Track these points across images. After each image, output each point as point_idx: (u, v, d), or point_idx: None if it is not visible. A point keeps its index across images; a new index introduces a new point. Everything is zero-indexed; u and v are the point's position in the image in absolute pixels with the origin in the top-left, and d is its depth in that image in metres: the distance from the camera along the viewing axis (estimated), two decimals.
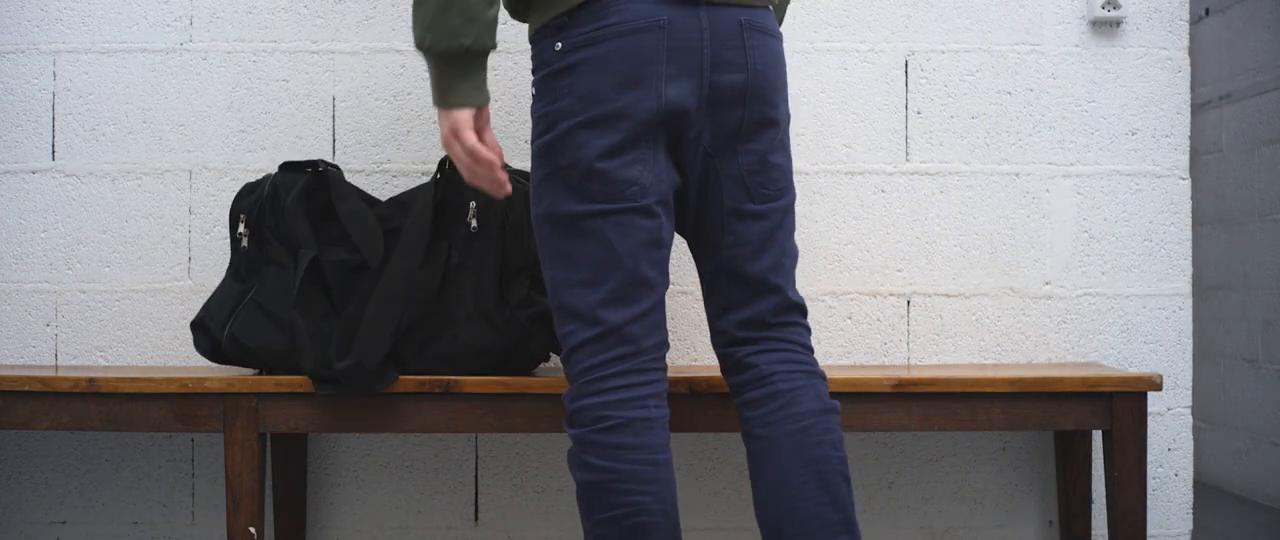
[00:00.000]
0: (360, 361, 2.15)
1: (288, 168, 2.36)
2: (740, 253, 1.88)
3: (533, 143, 1.85)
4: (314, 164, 2.36)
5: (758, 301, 1.89)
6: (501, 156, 1.87)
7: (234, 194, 2.55)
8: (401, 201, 2.34)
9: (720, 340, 1.93)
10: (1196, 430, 2.86)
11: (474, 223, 2.26)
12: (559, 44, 1.80)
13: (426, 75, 2.65)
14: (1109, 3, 2.62)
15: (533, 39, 1.87)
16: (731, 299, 1.90)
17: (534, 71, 1.86)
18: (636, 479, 1.76)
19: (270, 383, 2.22)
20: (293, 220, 2.28)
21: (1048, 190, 2.65)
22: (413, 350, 2.22)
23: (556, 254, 1.82)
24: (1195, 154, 4.03)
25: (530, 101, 1.88)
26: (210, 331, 2.30)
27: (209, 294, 2.53)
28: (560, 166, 1.81)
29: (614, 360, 1.79)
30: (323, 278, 2.26)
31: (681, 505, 2.65)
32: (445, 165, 2.32)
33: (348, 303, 2.24)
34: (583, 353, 1.80)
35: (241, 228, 2.33)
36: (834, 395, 1.93)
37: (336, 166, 2.40)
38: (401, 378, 2.21)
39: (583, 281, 1.80)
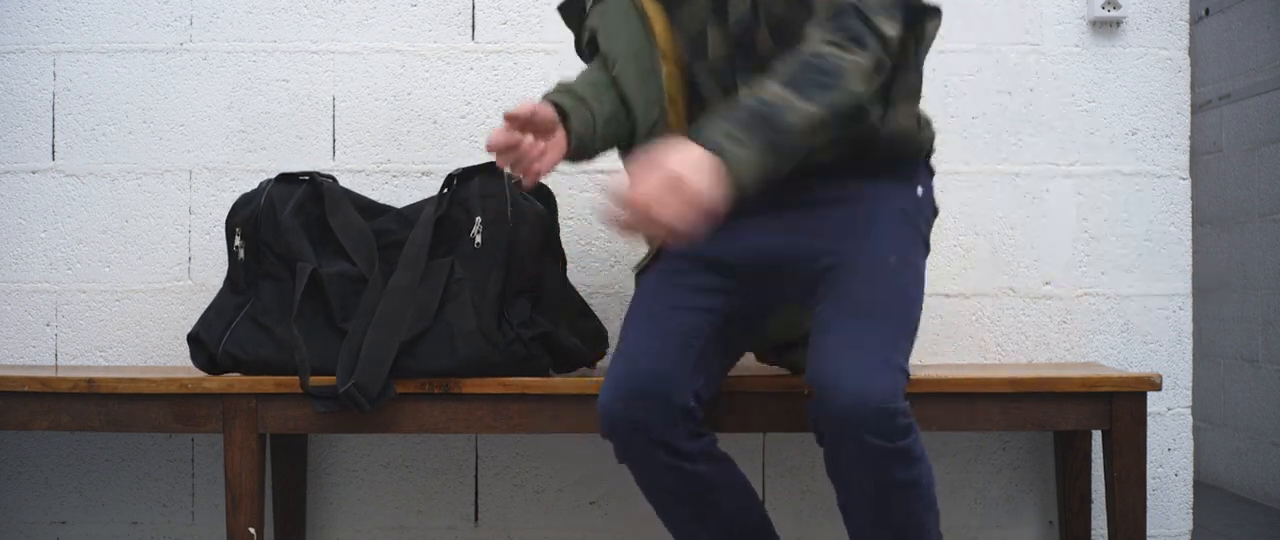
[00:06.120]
0: (362, 383, 2.14)
1: (284, 179, 2.35)
2: None
3: (921, 230, 2.03)
4: (309, 175, 2.35)
5: None
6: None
7: (234, 194, 2.55)
8: (406, 215, 2.33)
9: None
10: (1196, 430, 2.86)
11: (478, 239, 2.25)
12: (932, 189, 2.08)
13: (427, 75, 2.65)
14: (1109, 3, 2.62)
15: (922, 158, 2.06)
16: None
17: (923, 187, 2.05)
18: None
19: (270, 383, 2.22)
20: (289, 233, 2.27)
21: (1048, 190, 2.65)
22: (412, 362, 2.21)
23: (917, 314, 1.98)
24: (1195, 154, 4.03)
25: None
26: (206, 345, 2.29)
27: (209, 294, 2.53)
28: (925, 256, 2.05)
29: None
30: (322, 290, 2.25)
31: None
32: (454, 180, 2.31)
33: (348, 315, 2.24)
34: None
35: (237, 241, 2.32)
36: None
37: (331, 177, 2.39)
38: (401, 378, 2.21)
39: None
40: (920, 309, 1.96)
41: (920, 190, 2.02)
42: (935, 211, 2.09)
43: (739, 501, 2.01)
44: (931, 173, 2.08)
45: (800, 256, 1.95)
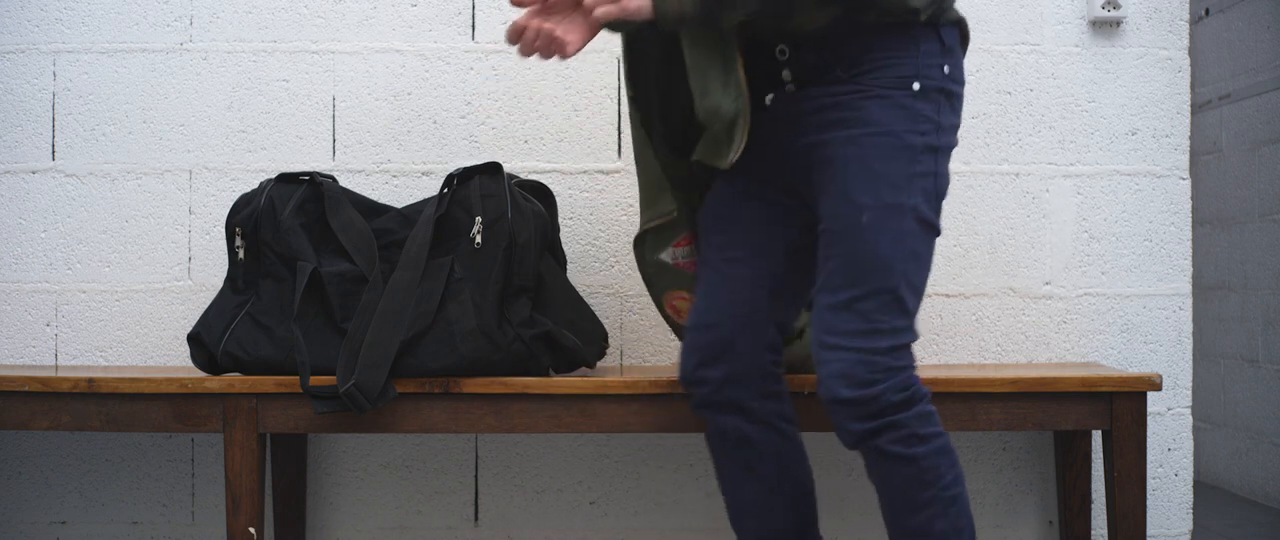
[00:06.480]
0: (362, 384, 2.14)
1: (284, 179, 2.35)
2: None
3: (919, 136, 1.87)
4: (309, 175, 2.35)
5: None
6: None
7: (234, 194, 2.55)
8: (406, 214, 2.33)
9: None
10: (1196, 430, 2.86)
11: (479, 239, 2.25)
12: (947, 67, 1.91)
13: (427, 75, 2.65)
14: (1109, 3, 2.62)
15: (923, 26, 1.88)
16: None
17: (927, 71, 1.89)
18: None
19: (270, 383, 2.22)
20: (290, 234, 2.28)
21: (1048, 190, 2.65)
22: (412, 360, 2.21)
23: (914, 255, 1.88)
24: (1195, 154, 4.03)
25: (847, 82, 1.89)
26: (206, 345, 2.29)
27: (209, 294, 2.54)
28: (939, 174, 1.90)
29: None
30: (322, 290, 2.25)
31: (681, 505, 2.65)
32: (454, 180, 2.30)
33: (348, 315, 2.24)
34: (911, 353, 1.89)
35: (238, 241, 2.32)
36: None
37: (331, 177, 2.39)
38: (401, 378, 2.21)
39: (918, 288, 1.89)
40: (913, 253, 1.87)
41: (917, 84, 1.88)
42: (952, 84, 1.93)
43: (784, 477, 2.04)
44: (944, 47, 1.91)
45: (800, 207, 1.97)
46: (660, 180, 2.13)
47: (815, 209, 1.93)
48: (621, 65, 2.13)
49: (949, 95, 1.92)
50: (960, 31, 1.96)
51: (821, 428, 2.15)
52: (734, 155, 1.93)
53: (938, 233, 1.91)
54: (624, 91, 2.20)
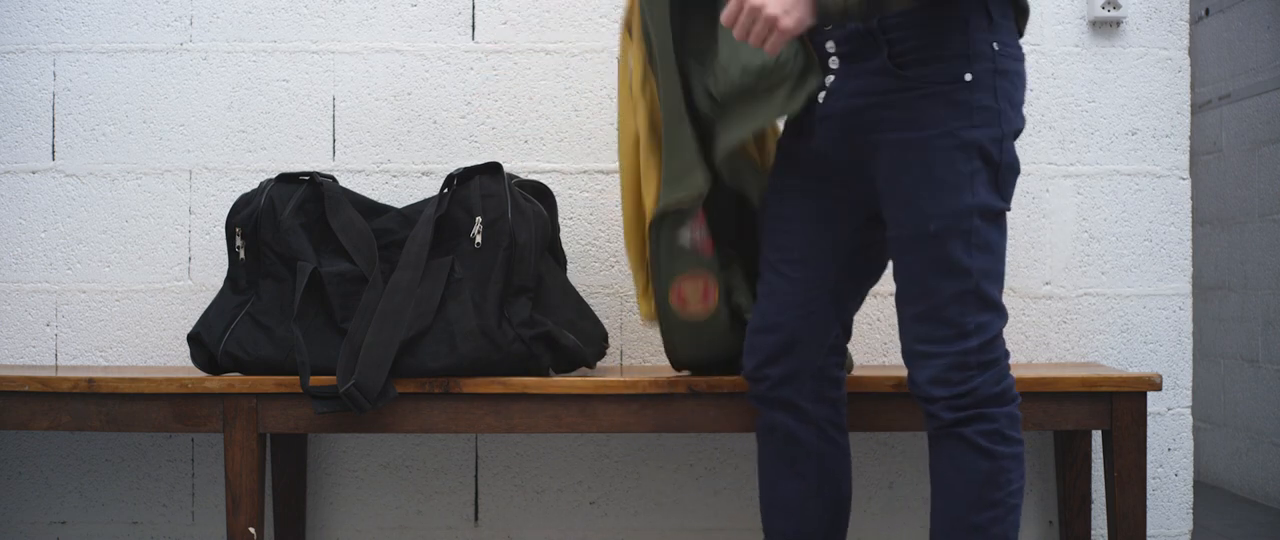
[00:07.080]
0: (362, 384, 2.14)
1: (284, 179, 2.35)
2: None
3: (975, 130, 1.85)
4: (309, 175, 2.35)
5: None
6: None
7: (234, 194, 2.56)
8: (406, 214, 2.33)
9: None
10: (1196, 430, 2.86)
11: (479, 239, 2.25)
12: (997, 44, 1.87)
13: (427, 75, 2.65)
14: (1109, 3, 2.62)
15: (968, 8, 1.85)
16: None
17: (978, 47, 1.86)
18: None
19: (270, 383, 2.22)
20: (290, 234, 2.28)
21: (1048, 190, 2.65)
22: (412, 360, 2.21)
23: (987, 247, 1.87)
24: (1195, 154, 4.03)
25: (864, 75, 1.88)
26: (206, 345, 2.29)
27: (209, 294, 2.54)
28: (1004, 164, 1.88)
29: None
30: (322, 290, 2.26)
31: (681, 505, 2.65)
32: (454, 180, 2.30)
33: (348, 315, 2.24)
34: (1001, 341, 1.89)
35: (238, 241, 2.32)
36: None
37: (331, 177, 2.39)
38: (401, 378, 2.21)
39: (998, 275, 1.88)
40: (985, 246, 1.85)
41: (969, 75, 1.84)
42: (1006, 61, 1.89)
43: (825, 481, 2.05)
44: (991, 21, 1.87)
45: (855, 201, 1.97)
46: (695, 156, 2.07)
47: (871, 204, 1.95)
48: (651, 40, 2.08)
49: (1005, 75, 1.88)
50: (1015, 6, 1.93)
51: (861, 428, 2.17)
52: (795, 105, 1.90)
53: (1007, 210, 1.89)
54: (641, 75, 2.14)
